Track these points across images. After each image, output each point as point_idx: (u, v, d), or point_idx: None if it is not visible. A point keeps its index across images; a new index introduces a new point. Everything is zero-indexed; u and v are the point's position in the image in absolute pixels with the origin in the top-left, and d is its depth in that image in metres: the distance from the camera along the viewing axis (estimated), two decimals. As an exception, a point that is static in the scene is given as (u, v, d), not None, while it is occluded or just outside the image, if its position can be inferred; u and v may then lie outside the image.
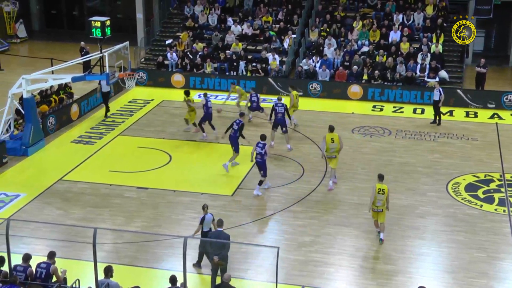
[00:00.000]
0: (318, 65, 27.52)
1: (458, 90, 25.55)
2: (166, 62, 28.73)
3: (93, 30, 22.75)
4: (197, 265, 14.28)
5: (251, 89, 24.30)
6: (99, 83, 23.92)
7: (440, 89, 23.35)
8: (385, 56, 27.38)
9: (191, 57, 28.57)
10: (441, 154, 20.92)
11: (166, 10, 33.97)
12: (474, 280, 14.12)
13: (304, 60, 27.79)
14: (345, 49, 28.17)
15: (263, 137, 17.88)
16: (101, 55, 20.96)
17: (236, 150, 19.41)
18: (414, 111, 25.11)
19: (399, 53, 27.58)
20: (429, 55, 27.17)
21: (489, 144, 21.89)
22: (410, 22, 29.35)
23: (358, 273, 14.44)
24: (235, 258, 14.65)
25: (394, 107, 25.54)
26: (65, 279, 12.38)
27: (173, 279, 11.82)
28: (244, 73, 27.86)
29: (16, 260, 12.46)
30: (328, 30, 29.36)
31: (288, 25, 30.14)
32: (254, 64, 28.00)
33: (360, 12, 30.62)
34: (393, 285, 13.96)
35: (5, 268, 12.23)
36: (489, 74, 26.80)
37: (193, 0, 32.05)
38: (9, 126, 21.12)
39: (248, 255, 14.95)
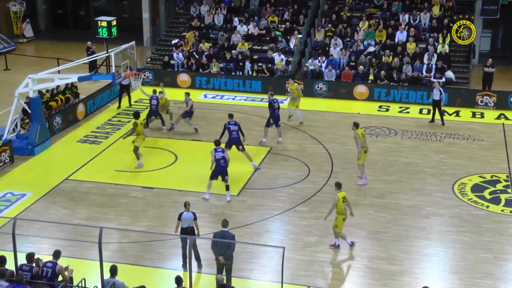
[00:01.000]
0: (324, 65, 27.50)
1: None
2: (172, 62, 28.76)
3: (99, 30, 22.86)
4: (184, 267, 14.22)
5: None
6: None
7: (441, 89, 23.31)
8: (391, 56, 27.34)
9: (197, 57, 28.59)
10: (447, 155, 20.87)
11: (172, 10, 34.02)
12: (479, 281, 14.08)
13: (310, 60, 27.77)
14: (351, 49, 28.14)
15: (217, 143, 17.62)
16: (107, 54, 21.01)
17: (243, 148, 19.39)
18: (420, 111, 25.05)
19: (405, 53, 27.53)
20: (435, 55, 27.11)
21: (496, 145, 21.82)
22: (416, 22, 29.29)
23: (364, 274, 14.42)
24: (240, 258, 14.65)
25: (400, 107, 25.50)
26: (71, 279, 12.41)
27: (178, 280, 11.83)
28: (250, 73, 27.87)
29: (22, 259, 12.49)
30: (334, 30, 29.34)
31: (294, 25, 30.13)
32: (260, 64, 28.00)
33: (366, 12, 30.58)
34: (399, 285, 13.93)
35: (11, 267, 12.27)
36: (496, 74, 26.72)
37: (199, 0, 32.08)
38: (16, 125, 21.20)
39: (253, 255, 14.95)
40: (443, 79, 26.14)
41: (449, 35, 28.16)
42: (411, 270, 14.50)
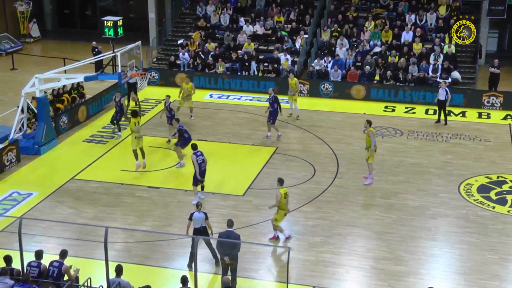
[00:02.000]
0: (330, 65, 27.47)
1: None
2: (178, 62, 28.79)
3: (106, 29, 22.79)
4: (189, 266, 14.22)
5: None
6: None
7: (447, 89, 23.24)
8: (397, 57, 27.28)
9: (203, 57, 28.61)
10: (453, 155, 20.81)
11: (178, 10, 34.04)
12: (486, 282, 14.04)
13: (316, 60, 27.74)
14: (357, 50, 28.10)
15: (195, 146, 17.30)
16: (113, 54, 21.04)
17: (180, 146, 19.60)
18: (426, 112, 24.99)
19: (411, 53, 27.46)
20: (441, 55, 27.04)
21: (502, 145, 21.74)
22: (422, 22, 29.22)
23: (369, 274, 14.39)
24: (246, 258, 14.65)
25: (406, 107, 25.44)
26: (77, 278, 12.45)
27: (184, 279, 11.84)
28: (256, 73, 27.86)
29: (29, 258, 12.54)
30: (340, 30, 29.29)
31: (300, 25, 30.10)
32: (266, 64, 28.00)
33: (372, 12, 30.53)
34: (404, 286, 13.90)
35: (17, 266, 12.32)
36: (502, 75, 26.62)
37: (205, 0, 32.10)
38: (22, 125, 21.26)
39: (259, 255, 14.95)
40: (450, 80, 26.07)
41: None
42: (417, 271, 14.46)
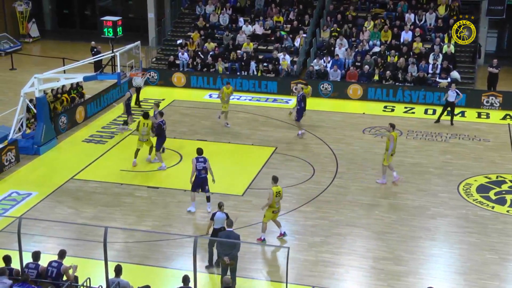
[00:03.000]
0: (329, 65, 27.47)
1: None
2: (177, 61, 28.78)
3: (105, 29, 22.82)
4: (210, 265, 14.25)
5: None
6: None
7: (457, 90, 23.21)
8: (396, 57, 27.28)
9: (202, 56, 28.61)
10: (452, 155, 20.82)
11: (177, 10, 34.04)
12: (486, 282, 14.03)
13: (315, 60, 27.75)
14: (356, 49, 28.10)
15: (200, 151, 16.74)
16: (112, 54, 21.03)
17: (157, 148, 19.55)
18: (426, 111, 25.00)
19: (411, 53, 27.46)
20: (440, 55, 27.05)
21: (502, 145, 21.75)
22: (422, 22, 29.22)
23: (369, 274, 14.39)
24: (245, 258, 14.64)
25: (405, 107, 25.44)
26: (76, 278, 12.43)
27: (185, 279, 11.83)
28: (255, 73, 27.86)
29: (28, 258, 12.53)
30: (339, 30, 29.31)
31: (300, 25, 30.10)
32: (265, 64, 28.00)
33: (371, 12, 30.54)
34: (404, 286, 13.90)
35: (17, 266, 12.30)
36: (502, 74, 26.65)
37: (205, 0, 32.09)
38: (21, 125, 21.25)
39: (258, 255, 14.95)
40: (449, 79, 26.08)
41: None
42: (417, 271, 14.46)
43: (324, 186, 18.55)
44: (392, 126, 18.47)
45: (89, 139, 22.07)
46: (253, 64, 27.91)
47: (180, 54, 28.75)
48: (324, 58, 27.74)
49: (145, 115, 19.68)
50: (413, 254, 15.09)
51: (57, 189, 18.26)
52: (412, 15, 29.40)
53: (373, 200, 17.71)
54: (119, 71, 20.33)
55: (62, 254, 12.40)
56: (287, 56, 27.97)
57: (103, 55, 22.97)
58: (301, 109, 22.02)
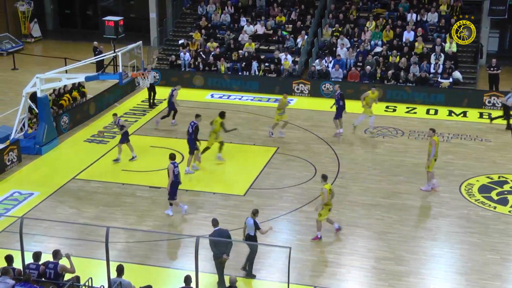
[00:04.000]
0: (331, 65, 27.46)
1: None
2: (179, 61, 28.79)
3: (107, 29, 22.83)
4: (244, 269, 14.18)
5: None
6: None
7: None
8: (398, 57, 27.26)
9: (204, 56, 28.61)
10: (454, 155, 20.80)
11: (179, 10, 34.06)
12: (487, 282, 14.03)
13: (317, 61, 27.74)
14: (358, 49, 28.09)
15: (172, 157, 16.79)
16: (114, 54, 21.04)
17: (190, 152, 19.24)
18: (427, 112, 24.98)
19: (413, 53, 27.44)
20: (442, 55, 27.02)
21: (503, 145, 21.73)
22: (424, 22, 29.19)
23: (370, 274, 14.39)
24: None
25: (407, 107, 25.42)
26: (78, 278, 12.41)
27: (187, 279, 11.84)
28: (257, 73, 27.86)
29: (30, 258, 12.54)
30: (341, 30, 29.30)
31: (301, 25, 30.09)
32: (267, 64, 27.99)
33: (373, 12, 30.52)
34: (405, 286, 13.90)
35: (18, 266, 12.31)
36: (503, 74, 26.61)
37: (206, 0, 32.10)
38: (23, 125, 21.27)
39: (260, 255, 14.91)
40: (451, 80, 26.06)
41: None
42: (418, 271, 14.46)
43: (325, 186, 18.53)
44: (433, 130, 18.24)
45: (91, 139, 22.09)
46: (254, 64, 27.92)
47: (181, 54, 28.76)
48: (326, 58, 27.73)
49: (221, 114, 19.78)
50: (414, 254, 15.09)
51: (59, 189, 18.28)
52: (414, 15, 29.38)
53: (374, 200, 17.71)
54: (120, 71, 20.34)
55: (56, 254, 12.30)
56: (289, 56, 27.97)
57: (105, 55, 22.98)
58: (340, 108, 22.07)
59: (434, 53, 27.10)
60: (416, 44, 27.73)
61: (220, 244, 13.22)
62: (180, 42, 30.10)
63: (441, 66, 26.73)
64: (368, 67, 26.85)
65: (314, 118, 23.97)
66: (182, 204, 16.89)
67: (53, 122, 21.42)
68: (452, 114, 24.66)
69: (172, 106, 23.09)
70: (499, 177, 19.22)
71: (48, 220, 16.11)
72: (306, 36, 29.27)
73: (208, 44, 29.28)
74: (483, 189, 18.42)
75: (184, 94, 26.63)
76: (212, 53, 28.71)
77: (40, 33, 36.24)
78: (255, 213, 13.97)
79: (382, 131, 22.82)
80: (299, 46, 29.04)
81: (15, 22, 35.48)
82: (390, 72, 26.50)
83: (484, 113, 24.90)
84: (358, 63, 27.52)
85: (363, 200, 17.74)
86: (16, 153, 19.77)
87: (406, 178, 19.04)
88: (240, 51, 28.62)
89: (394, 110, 25.20)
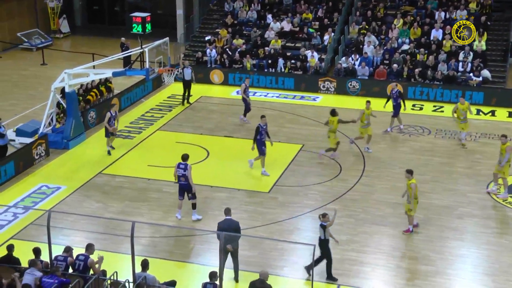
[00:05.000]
0: (357, 63, 27.29)
1: None
2: (205, 58, 28.87)
3: (134, 25, 23.03)
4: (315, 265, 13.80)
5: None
6: (182, 72, 24.27)
7: None
8: (425, 55, 26.97)
9: (230, 53, 28.65)
10: (482, 155, 20.53)
11: (206, 6, 34.15)
12: (514, 283, 13.85)
13: (344, 58, 27.59)
14: (385, 47, 27.87)
15: (184, 157, 16.20)
16: (141, 50, 21.18)
17: (261, 153, 18.90)
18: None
19: (440, 51, 27.13)
20: (471, 53, 26.67)
21: (532, 145, 21.35)
22: (452, 20, 28.84)
23: (395, 273, 14.29)
24: (271, 255, 14.69)
25: (434, 106, 25.16)
26: (104, 271, 12.56)
27: (212, 275, 11.87)
28: (283, 70, 27.82)
29: (56, 251, 12.71)
30: (368, 27, 29.10)
31: (328, 22, 29.95)
32: (293, 61, 27.94)
33: (401, 9, 30.26)
34: (431, 286, 13.77)
35: (45, 258, 12.49)
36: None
37: (233, -3, 32.16)
38: (52, 119, 21.54)
39: (284, 252, 14.94)
40: (480, 78, 25.71)
41: (485, 33, 27.68)
42: (444, 271, 14.31)
43: (350, 184, 18.46)
44: (505, 136, 17.94)
45: (117, 134, 22.23)
46: (280, 61, 27.87)
47: (208, 50, 28.83)
48: (352, 56, 27.57)
49: (333, 112, 19.64)
50: (440, 254, 14.94)
51: (85, 184, 18.47)
52: (443, 13, 29.04)
53: (400, 199, 17.53)
54: (147, 67, 20.47)
55: (89, 247, 12.57)
56: (315, 54, 27.86)
57: (131, 51, 23.14)
58: (397, 105, 22.07)
59: (463, 51, 26.76)
60: (444, 42, 27.42)
61: (227, 235, 13.16)
62: (206, 38, 30.19)
63: (469, 64, 26.39)
64: (395, 65, 26.62)
65: (339, 115, 23.79)
66: (179, 211, 16.45)
67: (81, 117, 21.65)
68: (481, 113, 24.33)
69: (243, 100, 22.89)
70: (527, 178, 18.90)
71: (75, 214, 16.29)
72: (332, 34, 29.14)
73: (234, 40, 29.32)
74: (511, 190, 18.14)
75: (209, 91, 26.74)
76: (238, 50, 28.74)
77: (69, 29, 36.67)
78: (322, 216, 13.73)
79: (408, 129, 22.62)
80: (325, 43, 28.92)
81: (44, 18, 35.94)
82: (417, 70, 26.24)
83: (513, 113, 24.55)
84: (385, 61, 27.31)
85: (389, 198, 17.60)
86: (44, 147, 20.03)
87: (432, 177, 18.85)
88: (266, 48, 28.60)
89: (421, 109, 24.96)
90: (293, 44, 29.39)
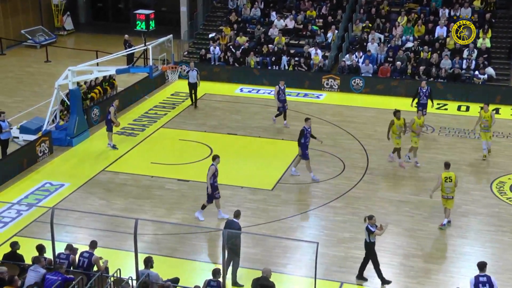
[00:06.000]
0: (361, 60, 27.24)
1: None
2: (208, 55, 28.85)
3: (138, 23, 23.02)
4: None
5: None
6: (188, 75, 24.24)
7: None
8: (429, 52, 26.90)
9: (234, 50, 28.63)
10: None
11: (209, 4, 34.12)
12: (518, 282, 13.82)
13: (347, 55, 27.55)
14: (389, 45, 27.81)
15: (213, 157, 16.21)
16: (145, 47, 21.18)
17: (304, 157, 18.45)
18: (459, 108, 24.63)
19: (444, 48, 27.05)
20: (475, 51, 26.59)
21: (537, 143, 21.33)
22: (457, 17, 28.74)
23: (398, 271, 14.27)
24: (274, 252, 14.70)
25: (438, 104, 25.07)
26: (107, 269, 12.59)
27: (215, 272, 11.87)
28: (287, 67, 27.78)
29: (60, 248, 12.73)
30: (371, 25, 29.03)
31: (332, 20, 29.90)
32: (296, 58, 27.89)
33: (405, 7, 30.18)
34: (434, 284, 13.76)
35: (49, 255, 12.52)
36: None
37: (237, -6, 32.12)
38: (55, 116, 21.56)
39: (287, 249, 14.94)
40: (485, 76, 25.62)
41: (490, 30, 27.59)
42: (447, 269, 14.30)
43: (354, 182, 18.44)
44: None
45: (121, 131, 22.26)
46: (284, 59, 27.84)
47: (211, 48, 28.82)
48: (356, 53, 27.52)
49: (397, 113, 19.11)
50: (443, 251, 14.93)
51: (89, 181, 18.50)
52: (447, 10, 28.96)
53: (403, 197, 17.55)
54: (151, 64, 20.46)
55: (93, 244, 12.61)
56: (319, 51, 27.82)
57: (135, 48, 23.13)
58: (424, 104, 21.81)
59: (467, 49, 26.67)
60: (448, 39, 27.33)
61: (230, 235, 13.17)
62: (210, 36, 30.17)
63: (473, 62, 26.31)
64: (398, 62, 26.56)
65: (343, 113, 23.82)
66: (219, 210, 16.34)
67: (84, 114, 21.67)
68: (485, 110, 24.24)
69: (280, 102, 22.37)
70: (532, 176, 18.86)
71: (78, 211, 16.32)
72: (336, 31, 29.09)
73: (238, 38, 29.29)
74: (514, 188, 18.11)
75: (213, 88, 26.72)
76: (242, 47, 28.71)
77: (73, 26, 36.67)
78: (368, 218, 13.57)
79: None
80: (329, 40, 28.88)
81: (48, 15, 35.95)
82: (421, 67, 26.18)
83: (517, 110, 24.46)
84: (389, 59, 27.24)
85: (392, 196, 17.59)
86: (48, 144, 20.05)
87: (436, 175, 18.78)
88: (270, 46, 28.56)
89: (425, 106, 24.86)
90: (297, 42, 29.34)
